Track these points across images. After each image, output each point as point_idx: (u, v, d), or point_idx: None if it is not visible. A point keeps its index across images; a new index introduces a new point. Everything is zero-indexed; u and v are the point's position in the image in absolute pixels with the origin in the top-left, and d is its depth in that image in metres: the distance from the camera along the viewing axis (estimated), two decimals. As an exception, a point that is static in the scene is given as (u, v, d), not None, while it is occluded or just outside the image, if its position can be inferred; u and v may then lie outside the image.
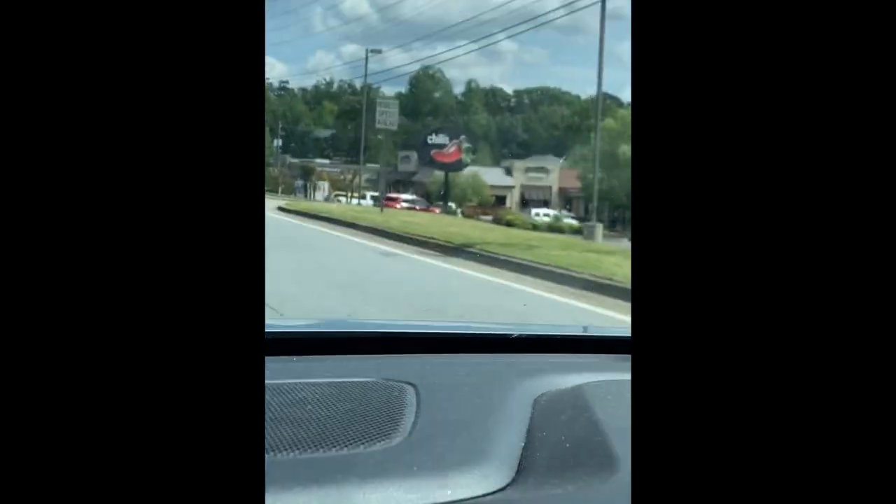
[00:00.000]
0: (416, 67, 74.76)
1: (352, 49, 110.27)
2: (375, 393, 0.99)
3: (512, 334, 1.33)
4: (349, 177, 50.12)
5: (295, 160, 58.84)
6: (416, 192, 46.04)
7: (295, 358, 1.16)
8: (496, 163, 57.80)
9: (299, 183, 51.67)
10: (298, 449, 0.81)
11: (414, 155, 47.42)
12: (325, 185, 51.18)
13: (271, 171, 50.45)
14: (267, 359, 0.95)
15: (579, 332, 1.55)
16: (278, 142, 44.73)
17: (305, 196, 46.58)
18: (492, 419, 0.90)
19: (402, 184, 50.30)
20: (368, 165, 57.06)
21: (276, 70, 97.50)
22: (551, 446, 0.83)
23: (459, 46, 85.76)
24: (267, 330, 1.02)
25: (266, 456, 0.78)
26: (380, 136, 51.26)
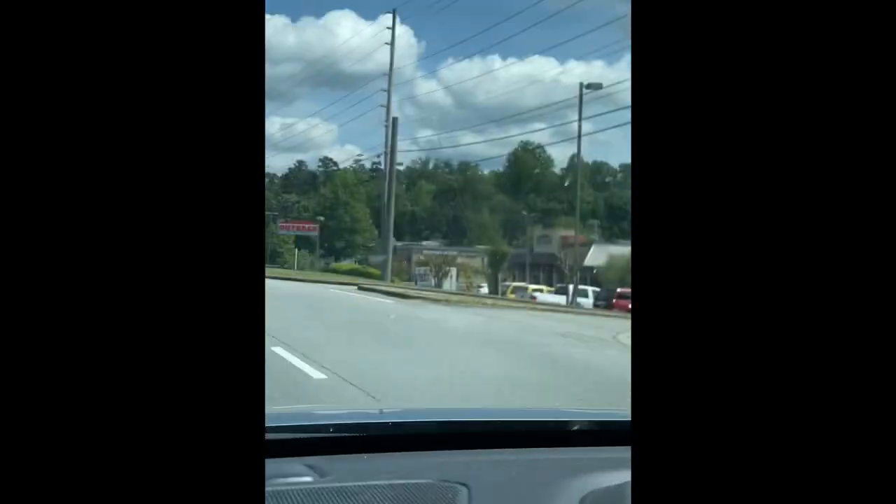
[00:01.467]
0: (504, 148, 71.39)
1: (427, 134, 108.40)
2: (431, 495, 1.08)
3: (572, 425, 1.42)
4: (463, 260, 44.46)
5: (397, 243, 54.87)
6: (560, 280, 38.00)
7: (365, 456, 1.27)
8: (609, 240, 52.95)
9: (421, 270, 43.76)
10: None
11: (556, 235, 42.11)
12: (452, 272, 42.18)
13: (376, 259, 45.27)
14: (333, 458, 1.22)
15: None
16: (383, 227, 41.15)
17: (437, 285, 37.85)
18: None
19: (542, 268, 44.14)
20: (478, 247, 52.73)
21: (355, 154, 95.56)
22: None
23: (539, 130, 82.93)
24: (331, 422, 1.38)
25: None
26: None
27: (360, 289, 22.47)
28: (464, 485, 1.09)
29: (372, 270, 37.86)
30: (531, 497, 1.05)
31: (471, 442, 1.34)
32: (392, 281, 31.79)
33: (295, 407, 3.97)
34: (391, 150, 33.55)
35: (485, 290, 35.65)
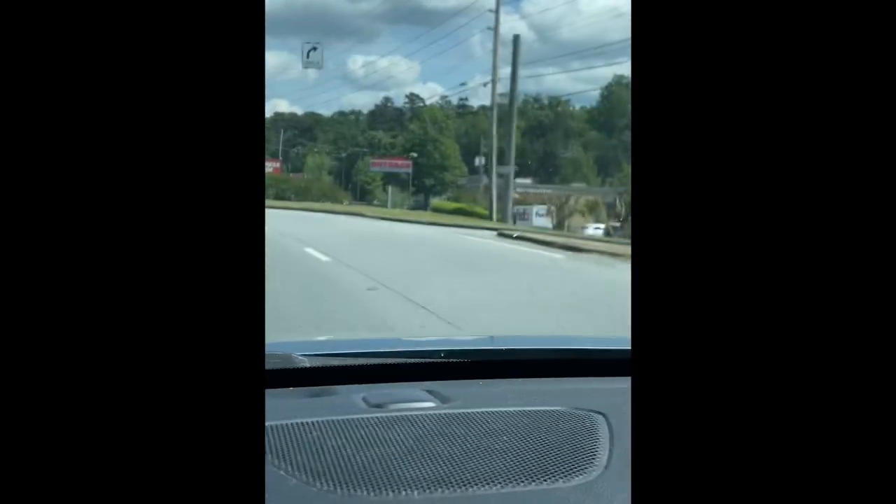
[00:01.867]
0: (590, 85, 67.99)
1: (508, 70, 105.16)
2: (567, 422, 1.01)
3: None
4: (565, 200, 42.14)
5: (486, 179, 52.48)
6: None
7: (481, 382, 1.20)
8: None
9: (519, 209, 39.64)
10: (498, 483, 0.82)
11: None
12: (541, 211, 39.24)
13: (470, 193, 43.31)
14: (450, 383, 1.13)
15: None
16: (481, 159, 38.96)
17: (557, 226, 34.35)
18: None
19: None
20: (574, 185, 50.39)
21: (438, 92, 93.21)
22: None
23: (624, 62, 78.98)
24: (437, 348, 1.27)
25: (464, 490, 0.81)
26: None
27: (501, 235, 18.03)
28: (600, 413, 1.02)
29: (479, 209, 35.92)
30: None
31: (593, 369, 1.25)
32: (498, 220, 29.76)
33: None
34: (512, 74, 31.19)
35: (589, 230, 33.39)
